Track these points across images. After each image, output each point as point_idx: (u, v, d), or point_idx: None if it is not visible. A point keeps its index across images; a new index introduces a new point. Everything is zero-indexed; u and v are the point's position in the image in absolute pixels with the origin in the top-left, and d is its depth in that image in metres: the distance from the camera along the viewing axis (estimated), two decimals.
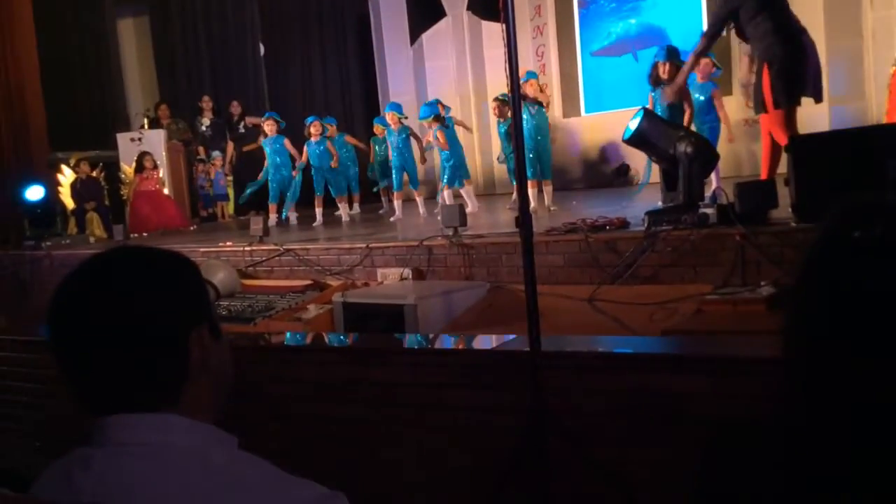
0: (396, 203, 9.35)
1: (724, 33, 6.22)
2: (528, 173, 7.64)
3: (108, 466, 0.99)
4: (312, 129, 9.85)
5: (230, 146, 12.19)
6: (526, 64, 11.03)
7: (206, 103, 12.38)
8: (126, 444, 1.01)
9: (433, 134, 8.90)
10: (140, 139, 11.02)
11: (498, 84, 11.91)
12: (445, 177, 8.82)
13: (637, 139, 5.54)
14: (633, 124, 5.46)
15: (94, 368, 1.04)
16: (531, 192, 7.68)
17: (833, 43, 8.95)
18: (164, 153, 10.97)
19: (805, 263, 0.90)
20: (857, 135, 5.24)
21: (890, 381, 0.79)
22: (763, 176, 5.90)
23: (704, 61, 8.10)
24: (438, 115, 9.01)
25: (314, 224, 9.28)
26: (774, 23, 5.57)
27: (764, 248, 4.52)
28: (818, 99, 5.76)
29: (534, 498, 2.84)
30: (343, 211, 10.00)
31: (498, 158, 10.07)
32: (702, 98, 7.85)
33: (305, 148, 9.89)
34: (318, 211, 9.66)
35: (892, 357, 0.79)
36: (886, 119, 7.64)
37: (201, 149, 12.08)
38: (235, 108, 12.45)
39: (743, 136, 10.12)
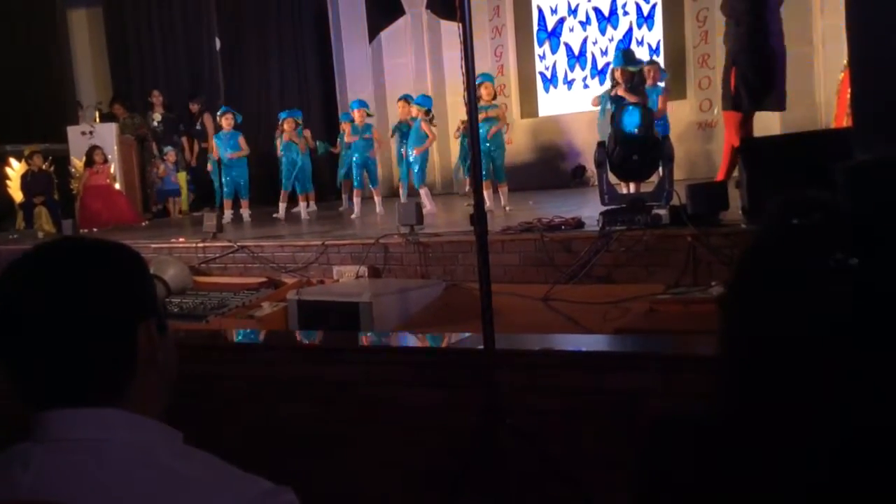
0: (356, 200, 9.32)
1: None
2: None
3: (48, 462, 0.96)
4: (286, 126, 9.82)
5: (194, 142, 12.05)
6: (484, 64, 11.07)
7: (157, 98, 12.19)
8: (68, 440, 0.98)
9: (422, 125, 8.88)
10: (91, 132, 10.81)
11: (456, 83, 11.93)
12: (416, 175, 8.86)
13: (639, 135, 5.29)
14: (635, 118, 5.25)
15: (39, 362, 1.01)
16: (486, 192, 7.71)
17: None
18: (115, 147, 10.77)
19: (746, 252, 0.93)
20: (806, 139, 5.35)
21: (836, 373, 0.81)
22: (720, 176, 6.00)
23: (652, 68, 8.28)
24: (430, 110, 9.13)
25: (274, 215, 9.25)
26: (752, 27, 5.63)
27: (715, 249, 4.60)
28: (780, 109, 5.88)
29: (488, 498, 2.84)
30: (301, 207, 9.96)
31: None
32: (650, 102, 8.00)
33: (277, 142, 9.88)
34: (282, 206, 9.66)
35: (833, 348, 0.81)
36: (835, 124, 7.83)
37: (153, 144, 11.91)
38: (195, 104, 12.29)
39: (695, 139, 10.30)
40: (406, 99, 9.58)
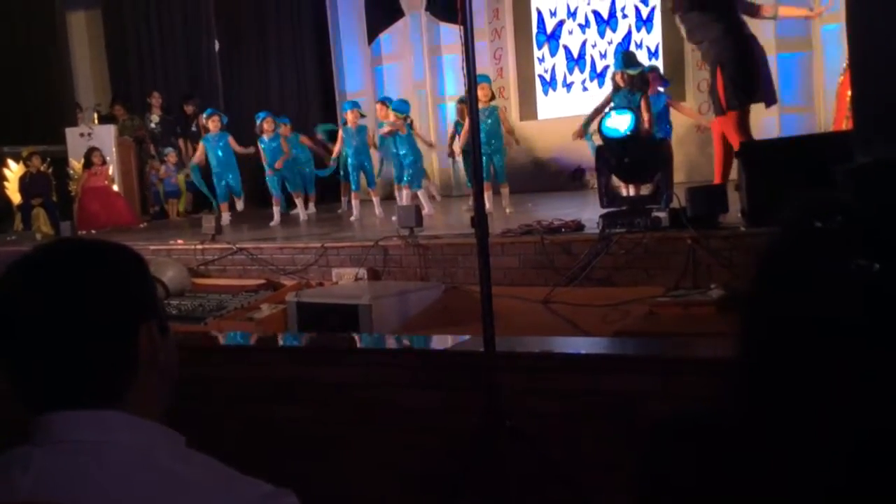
0: (355, 203, 9.26)
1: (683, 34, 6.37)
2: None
3: (48, 465, 0.96)
4: (265, 126, 9.67)
5: (189, 144, 12.05)
6: (483, 66, 11.05)
7: (156, 100, 12.18)
8: (68, 442, 0.98)
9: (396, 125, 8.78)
10: (89, 134, 10.79)
11: (455, 85, 11.94)
12: (406, 177, 8.76)
13: (629, 138, 5.28)
14: (624, 123, 5.24)
15: (38, 364, 1.00)
16: (486, 194, 7.68)
17: (783, 52, 9.13)
18: (113, 149, 10.76)
19: (765, 255, 0.91)
20: (805, 142, 5.36)
21: (851, 375, 0.81)
22: (716, 180, 6.00)
23: (651, 75, 8.27)
24: (409, 115, 9.00)
25: (271, 223, 9.10)
26: (726, 25, 5.69)
27: (714, 252, 4.60)
28: (770, 102, 5.89)
29: (488, 500, 2.84)
30: (300, 209, 9.90)
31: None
32: (656, 110, 8.01)
33: (259, 145, 9.74)
34: (276, 210, 9.46)
35: (853, 347, 0.81)
36: (834, 127, 7.82)
37: (150, 146, 11.91)
38: (189, 105, 12.27)
39: (694, 142, 10.29)
40: (384, 101, 9.49)
